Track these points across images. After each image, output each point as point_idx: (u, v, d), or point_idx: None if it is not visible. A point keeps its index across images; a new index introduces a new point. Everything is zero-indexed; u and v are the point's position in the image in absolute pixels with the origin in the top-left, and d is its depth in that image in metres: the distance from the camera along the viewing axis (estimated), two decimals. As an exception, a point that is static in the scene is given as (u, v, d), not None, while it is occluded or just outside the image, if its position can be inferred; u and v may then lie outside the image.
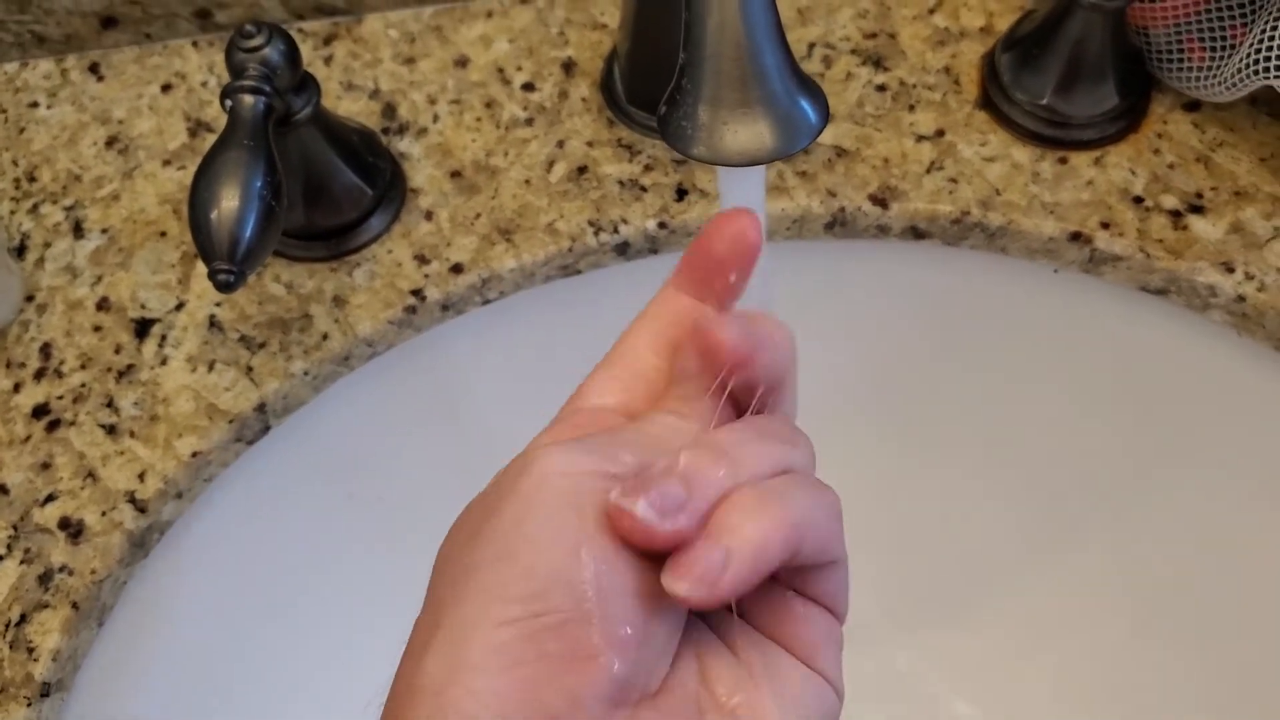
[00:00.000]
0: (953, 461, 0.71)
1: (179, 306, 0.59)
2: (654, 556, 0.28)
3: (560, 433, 0.32)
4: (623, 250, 0.61)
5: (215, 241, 0.48)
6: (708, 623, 0.31)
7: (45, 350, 0.58)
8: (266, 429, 0.58)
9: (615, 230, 0.60)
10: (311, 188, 0.58)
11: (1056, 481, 0.70)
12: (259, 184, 0.49)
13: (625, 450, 0.29)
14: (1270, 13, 0.54)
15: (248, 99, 0.51)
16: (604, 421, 0.32)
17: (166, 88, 0.65)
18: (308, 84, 0.55)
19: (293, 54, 0.53)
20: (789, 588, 0.31)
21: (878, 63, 0.63)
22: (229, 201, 0.49)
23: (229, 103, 0.51)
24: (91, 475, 0.55)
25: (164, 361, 0.58)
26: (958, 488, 0.72)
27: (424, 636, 0.28)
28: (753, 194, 0.41)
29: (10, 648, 0.51)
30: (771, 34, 0.39)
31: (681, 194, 0.60)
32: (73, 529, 0.54)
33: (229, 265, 0.48)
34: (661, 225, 0.60)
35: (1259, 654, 0.68)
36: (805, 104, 0.40)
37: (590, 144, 0.62)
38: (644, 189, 0.61)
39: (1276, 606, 0.67)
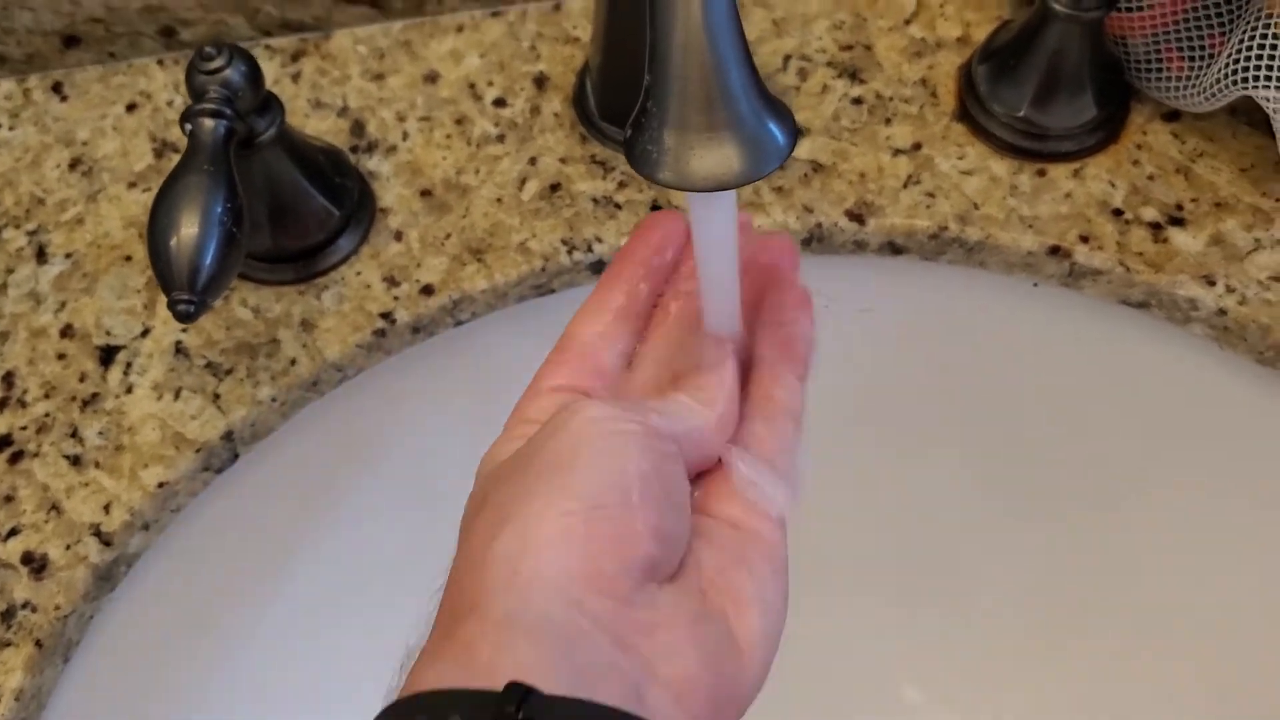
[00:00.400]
0: (932, 477, 0.70)
1: (145, 333, 0.58)
2: (677, 487, 0.35)
3: (526, 412, 0.40)
4: (597, 269, 0.60)
5: (175, 270, 0.47)
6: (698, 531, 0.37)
7: (8, 379, 0.57)
8: (235, 457, 0.57)
9: (589, 249, 0.59)
10: (277, 210, 0.57)
11: (1038, 496, 0.70)
12: (219, 210, 0.48)
13: (653, 412, 0.37)
14: (1248, 21, 0.54)
15: (208, 122, 0.50)
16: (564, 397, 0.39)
17: (131, 107, 0.64)
18: (271, 104, 0.54)
19: (254, 75, 0.52)
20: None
21: (854, 75, 0.62)
22: (189, 229, 0.48)
23: (189, 126, 0.50)
24: (55, 508, 0.54)
25: (129, 390, 0.57)
26: (937, 503, 0.71)
27: (490, 527, 0.33)
28: (723, 218, 0.40)
29: (-27, 686, 0.50)
30: (737, 54, 0.38)
31: (656, 211, 0.59)
32: (36, 564, 0.53)
33: (189, 295, 0.47)
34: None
35: (1244, 664, 0.68)
36: (773, 126, 0.38)
37: (563, 161, 0.61)
38: (618, 206, 0.60)
39: (1260, 616, 0.66)
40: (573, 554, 0.32)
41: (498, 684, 0.29)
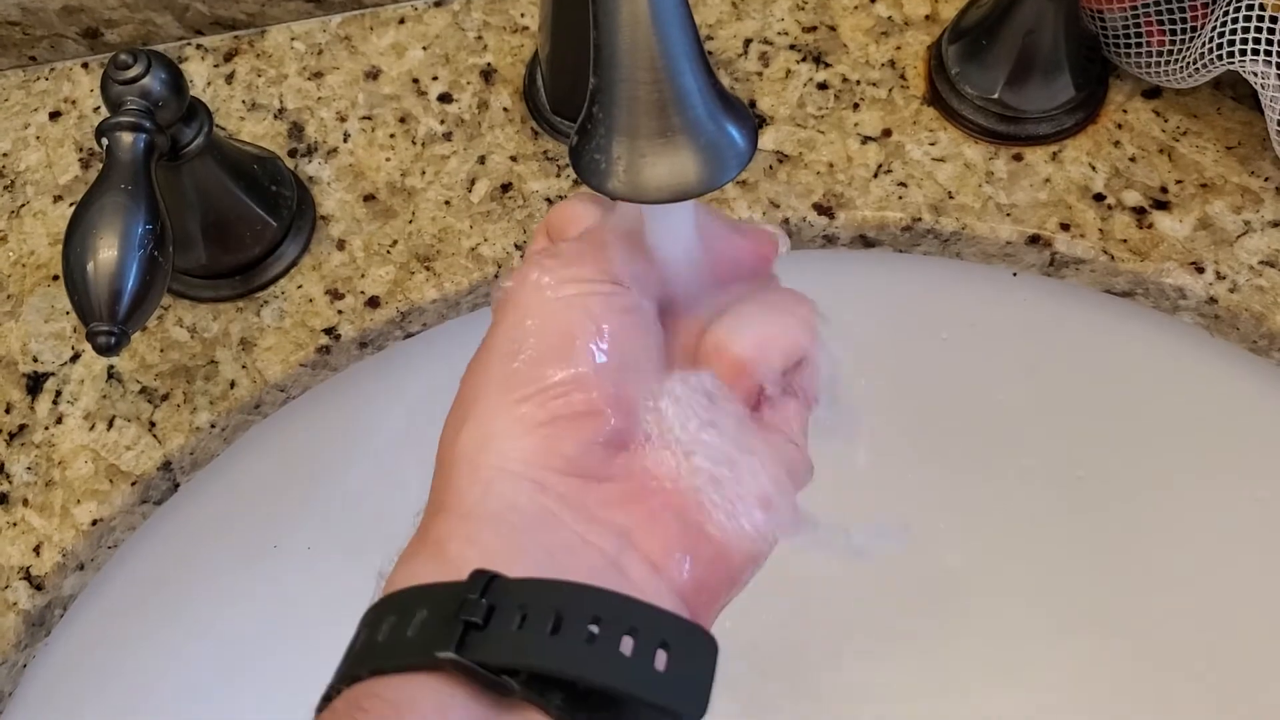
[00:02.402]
0: (912, 476, 0.67)
1: (75, 358, 0.54)
2: (637, 346, 0.34)
3: None
4: (553, 272, 0.56)
5: (93, 300, 0.44)
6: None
7: (-70, 412, 0.53)
8: (175, 487, 0.54)
9: (543, 252, 0.56)
10: (210, 224, 0.53)
11: (1023, 492, 0.67)
12: (140, 232, 0.45)
13: (610, 248, 0.35)
14: (1233, -8, 0.51)
15: (126, 136, 0.47)
16: None
17: (55, 115, 0.61)
18: (197, 112, 0.51)
19: (176, 82, 0.48)
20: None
21: (818, 59, 0.59)
22: (106, 254, 0.44)
23: (105, 141, 0.47)
24: (-18, 550, 0.51)
25: (59, 420, 0.53)
26: (918, 497, 0.68)
27: (454, 428, 0.33)
28: (681, 230, 0.37)
29: (-101, 746, 0.47)
30: (690, 52, 0.35)
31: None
32: (-37, 612, 0.49)
33: (109, 325, 0.44)
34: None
35: (1232, 650, 0.65)
36: (732, 129, 0.35)
37: (514, 158, 0.58)
38: (573, 206, 0.57)
39: (1247, 603, 0.64)
40: (529, 442, 0.32)
41: (465, 575, 0.29)
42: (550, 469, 0.32)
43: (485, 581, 0.29)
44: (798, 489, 0.36)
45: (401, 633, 0.29)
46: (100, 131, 0.47)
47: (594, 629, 0.28)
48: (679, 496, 0.33)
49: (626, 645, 0.28)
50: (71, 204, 0.58)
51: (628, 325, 0.34)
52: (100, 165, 0.59)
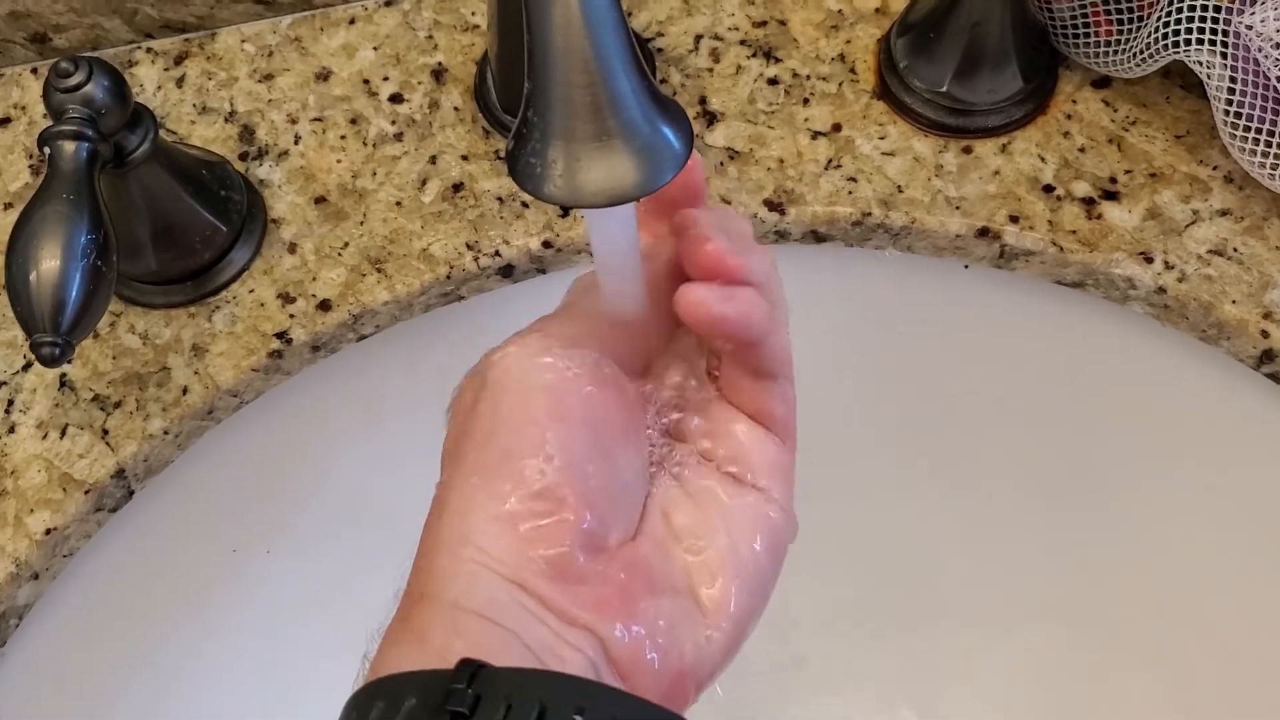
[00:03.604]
0: (869, 464, 0.68)
1: (26, 367, 0.54)
2: (613, 428, 0.34)
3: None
4: (507, 273, 0.56)
5: (36, 311, 0.44)
6: (672, 475, 0.36)
7: (-119, 424, 0.53)
8: (129, 495, 0.53)
9: (496, 253, 0.56)
10: (159, 230, 0.53)
11: (977, 478, 0.67)
12: (83, 242, 0.45)
13: (570, 334, 0.35)
14: (1177, -18, 0.51)
15: (68, 145, 0.47)
16: None
17: (4, 121, 0.60)
18: (142, 118, 0.50)
19: (119, 89, 0.48)
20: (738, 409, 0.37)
21: (768, 54, 0.59)
22: (49, 264, 0.44)
23: (47, 150, 0.47)
24: (-65, 562, 0.50)
25: (11, 429, 0.53)
26: (873, 490, 0.68)
27: (436, 511, 0.33)
28: (623, 232, 0.37)
29: None
30: (625, 55, 0.34)
31: (566, 209, 0.56)
32: (-84, 624, 0.49)
33: (53, 336, 0.44)
34: (546, 244, 0.56)
35: (1187, 634, 0.66)
36: (668, 131, 0.35)
37: (465, 158, 0.58)
38: (525, 205, 0.57)
39: (1201, 588, 0.64)
40: (506, 543, 0.32)
41: (451, 664, 0.29)
42: (528, 571, 0.32)
43: (471, 671, 0.29)
44: (778, 558, 0.37)
45: (391, 718, 0.29)
46: (42, 141, 0.47)
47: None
48: (655, 603, 0.33)
49: None
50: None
51: (608, 403, 0.34)
52: (50, 171, 0.59)
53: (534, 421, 0.33)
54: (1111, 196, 0.55)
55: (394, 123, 0.59)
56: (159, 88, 0.61)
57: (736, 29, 0.60)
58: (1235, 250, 0.54)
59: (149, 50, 0.62)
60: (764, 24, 0.60)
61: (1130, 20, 0.55)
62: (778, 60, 0.59)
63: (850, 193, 0.55)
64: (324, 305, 0.55)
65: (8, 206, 0.58)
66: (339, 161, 0.58)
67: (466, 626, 0.31)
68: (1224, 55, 0.51)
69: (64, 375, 0.54)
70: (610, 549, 0.33)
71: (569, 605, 0.32)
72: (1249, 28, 0.50)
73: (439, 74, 0.60)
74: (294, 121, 0.59)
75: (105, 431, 0.53)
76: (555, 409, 0.33)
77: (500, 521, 0.32)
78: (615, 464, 0.34)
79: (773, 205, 0.55)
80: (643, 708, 0.30)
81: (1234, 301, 0.53)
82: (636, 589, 0.33)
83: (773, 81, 0.58)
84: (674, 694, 0.33)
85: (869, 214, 0.55)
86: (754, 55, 0.59)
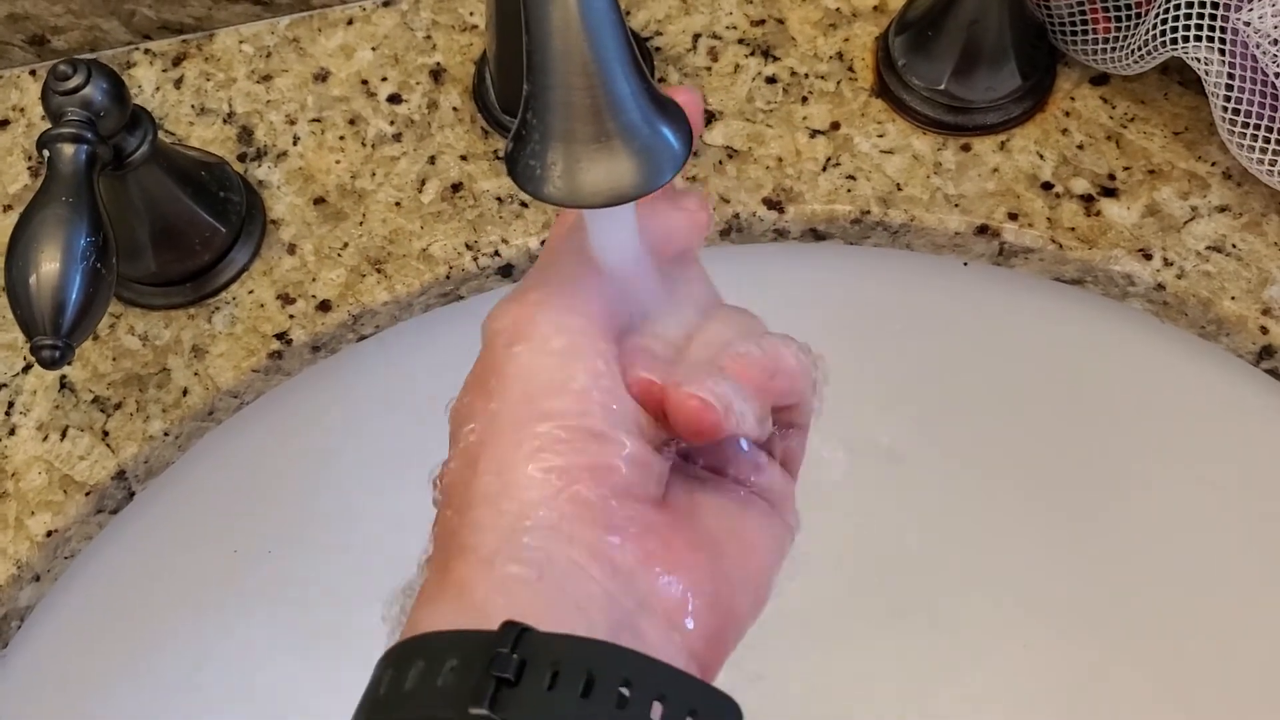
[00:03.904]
0: (868, 463, 0.68)
1: (26, 369, 0.54)
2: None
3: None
4: (506, 272, 0.57)
5: (36, 314, 0.44)
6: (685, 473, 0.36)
7: (-119, 426, 0.53)
8: (130, 496, 0.53)
9: (495, 253, 0.56)
10: (158, 232, 0.53)
11: (976, 475, 0.67)
12: (82, 245, 0.45)
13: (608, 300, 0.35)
14: (1175, -21, 0.51)
15: (67, 148, 0.46)
16: None
17: (3, 124, 0.60)
18: (141, 120, 0.50)
19: (118, 91, 0.48)
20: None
21: (767, 52, 0.59)
22: (49, 267, 0.44)
23: (46, 153, 0.47)
24: (-64, 564, 0.51)
25: (12, 431, 0.53)
26: (871, 489, 0.68)
27: (467, 465, 0.33)
28: (622, 232, 0.37)
29: None
30: (624, 56, 0.35)
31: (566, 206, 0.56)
32: (-83, 626, 0.49)
33: (53, 339, 0.44)
34: (545, 243, 0.56)
35: (1186, 629, 0.66)
36: (667, 131, 0.35)
37: (464, 158, 0.58)
38: (524, 204, 0.57)
39: (1203, 590, 0.64)
40: (551, 492, 0.32)
41: (493, 623, 0.29)
42: (574, 519, 0.32)
43: (516, 634, 0.28)
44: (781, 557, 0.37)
45: (431, 681, 0.28)
46: (41, 143, 0.47)
47: (625, 692, 0.28)
48: (696, 556, 0.33)
49: (656, 712, 0.28)
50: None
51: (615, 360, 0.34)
52: (50, 173, 0.59)
53: (583, 382, 0.33)
54: (1110, 193, 0.55)
55: (393, 123, 0.59)
56: (157, 89, 0.61)
57: (734, 28, 0.60)
58: (1234, 246, 0.54)
59: (147, 51, 0.62)
60: (762, 22, 0.60)
61: (1128, 17, 0.55)
62: (776, 59, 0.59)
63: (849, 191, 0.55)
64: (324, 306, 0.55)
65: (7, 209, 0.58)
66: (338, 162, 0.58)
67: (510, 581, 0.31)
68: (1222, 52, 0.51)
69: (64, 377, 0.54)
70: (647, 500, 0.33)
71: (613, 555, 0.32)
72: (1247, 24, 0.50)
73: (437, 74, 0.60)
74: (292, 122, 0.59)
75: (106, 433, 0.53)
76: (606, 373, 0.34)
77: (544, 472, 0.32)
78: (644, 414, 0.34)
79: (771, 204, 0.55)
80: (689, 683, 0.30)
81: (1233, 298, 0.53)
82: (678, 541, 0.33)
83: (771, 80, 0.58)
84: (717, 642, 0.33)
85: (868, 212, 0.55)
86: (752, 54, 0.59)
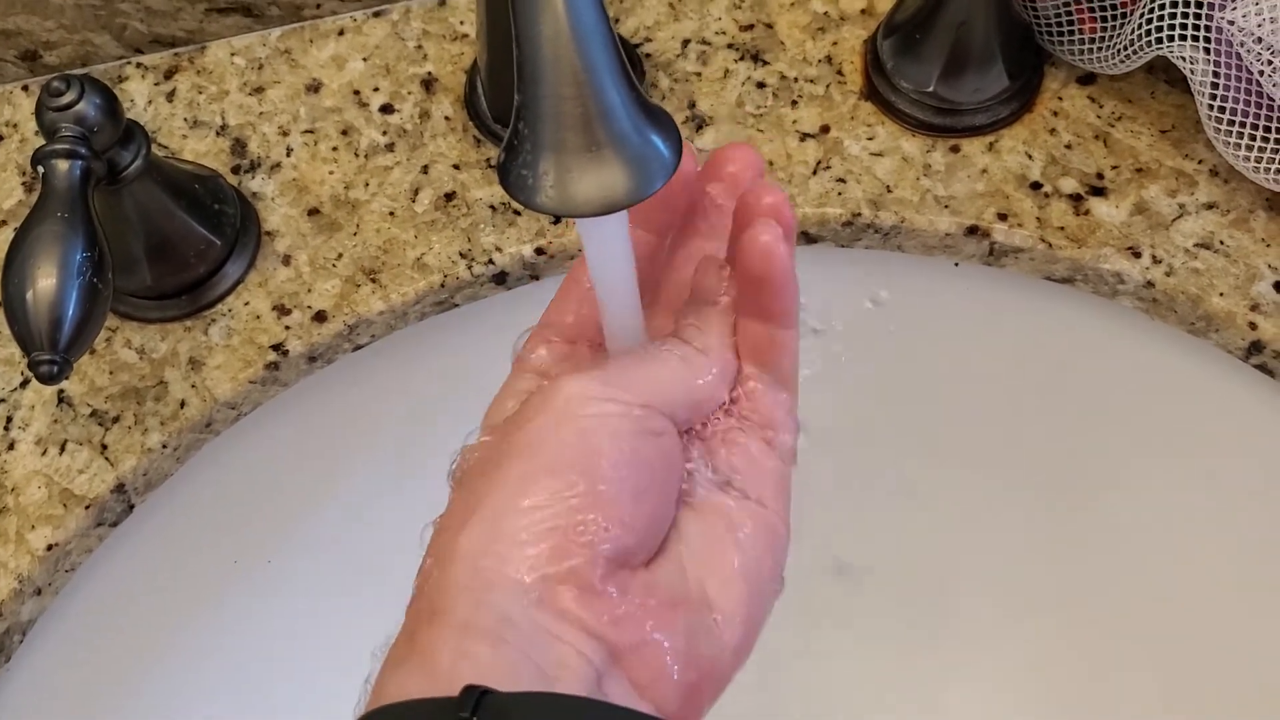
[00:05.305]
0: (861, 463, 0.68)
1: (24, 384, 0.55)
2: (654, 471, 0.35)
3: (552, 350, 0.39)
4: (500, 280, 0.57)
5: (33, 329, 0.44)
6: (689, 503, 0.37)
7: (-119, 443, 0.54)
8: (130, 509, 0.54)
9: (489, 261, 0.56)
10: (153, 245, 0.53)
11: (971, 475, 0.68)
12: (79, 260, 0.45)
13: (641, 379, 0.36)
14: (1159, -21, 0.51)
15: (61, 164, 0.47)
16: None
17: (-3, 139, 0.61)
18: (135, 134, 0.51)
19: (111, 107, 0.48)
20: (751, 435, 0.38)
21: (756, 57, 0.59)
22: (45, 283, 0.44)
23: (41, 169, 0.47)
24: (-62, 580, 0.51)
25: (11, 446, 0.53)
26: (865, 489, 0.69)
27: (457, 521, 0.33)
28: (615, 240, 0.38)
29: None
30: (613, 66, 0.35)
31: (558, 218, 0.56)
32: (-80, 642, 0.50)
33: (51, 354, 0.44)
34: (539, 251, 0.56)
35: (1186, 624, 0.66)
36: (657, 139, 0.36)
37: (457, 167, 0.58)
38: (517, 213, 0.57)
39: (1198, 586, 0.65)
40: (537, 549, 0.32)
41: (457, 690, 0.29)
42: (554, 579, 0.32)
43: (476, 697, 0.29)
44: (780, 568, 0.38)
45: None
46: (35, 160, 0.47)
47: None
48: (676, 615, 0.34)
49: None
50: (15, 229, 0.58)
51: (651, 447, 0.35)
52: (44, 188, 0.59)
53: (587, 442, 0.33)
54: (1099, 192, 0.55)
55: (385, 133, 0.59)
56: (149, 103, 0.61)
57: (724, 33, 0.60)
58: (1222, 243, 0.54)
59: (139, 65, 0.62)
60: (751, 27, 0.60)
61: (1114, 17, 0.55)
62: (765, 63, 0.59)
63: (840, 194, 0.56)
64: (319, 316, 0.55)
65: (2, 224, 0.58)
66: (331, 173, 0.58)
67: (474, 648, 0.31)
68: (1207, 50, 0.52)
69: (62, 391, 0.54)
70: (636, 565, 0.34)
71: (589, 617, 0.32)
72: (1231, 23, 0.50)
73: (429, 84, 0.60)
74: (285, 134, 0.59)
75: (104, 446, 0.53)
76: (611, 440, 0.34)
77: (531, 529, 0.32)
78: (651, 502, 0.34)
79: (763, 208, 0.56)
80: None
81: (1221, 294, 0.53)
82: (657, 605, 0.33)
83: (761, 84, 0.59)
84: (691, 701, 0.34)
85: (859, 214, 0.55)
86: (742, 59, 0.60)
